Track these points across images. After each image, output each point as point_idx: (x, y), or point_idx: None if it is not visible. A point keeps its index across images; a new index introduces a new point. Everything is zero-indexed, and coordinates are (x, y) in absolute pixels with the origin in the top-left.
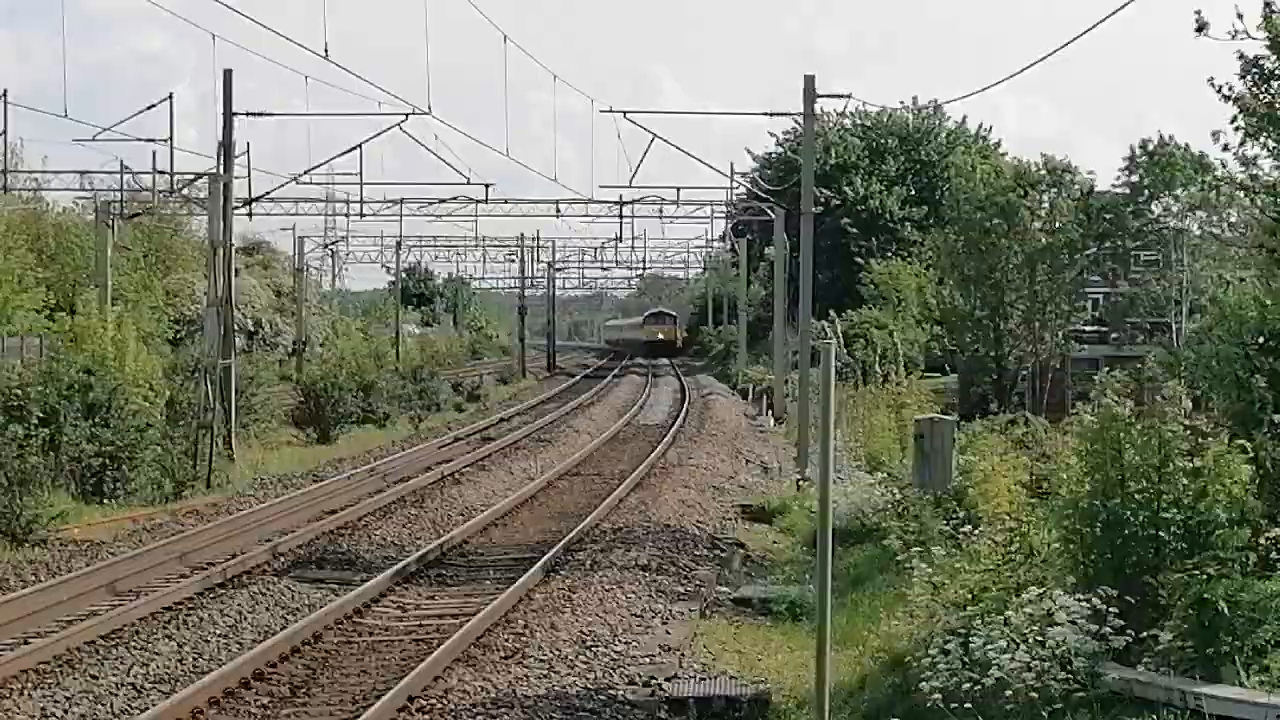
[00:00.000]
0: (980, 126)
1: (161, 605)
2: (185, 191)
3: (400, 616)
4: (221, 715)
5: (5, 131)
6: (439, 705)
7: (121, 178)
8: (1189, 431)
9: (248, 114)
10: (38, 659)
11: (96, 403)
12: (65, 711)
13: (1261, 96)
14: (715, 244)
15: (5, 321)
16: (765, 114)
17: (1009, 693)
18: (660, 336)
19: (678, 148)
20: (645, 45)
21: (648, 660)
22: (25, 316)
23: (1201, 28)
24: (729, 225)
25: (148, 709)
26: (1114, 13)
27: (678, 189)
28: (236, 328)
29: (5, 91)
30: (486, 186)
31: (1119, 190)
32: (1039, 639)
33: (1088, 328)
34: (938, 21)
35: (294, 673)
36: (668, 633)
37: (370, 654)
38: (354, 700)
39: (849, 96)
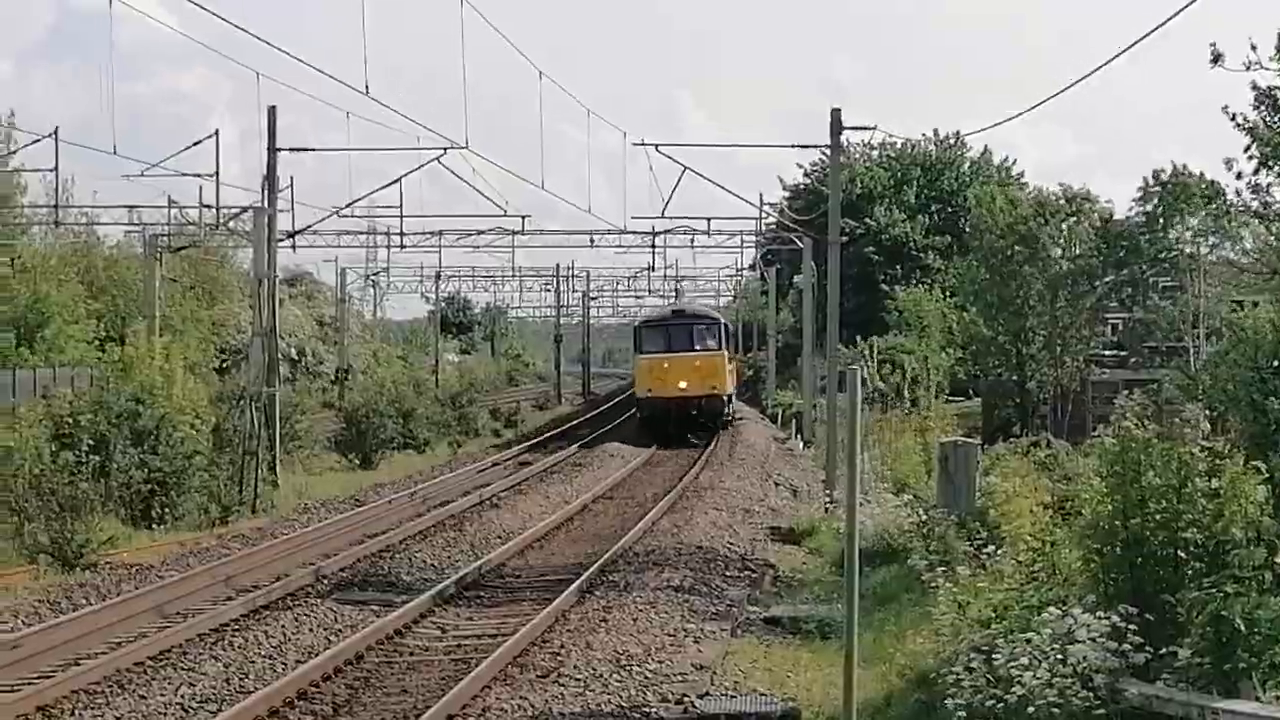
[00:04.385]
0: (1004, 160)
1: (208, 627)
2: (230, 225)
3: (440, 637)
4: None
5: (57, 168)
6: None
7: (169, 212)
8: (1206, 453)
9: (291, 149)
10: (88, 679)
11: (145, 430)
12: None
13: (1275, 126)
14: (745, 272)
15: (58, 352)
16: (793, 146)
17: (1032, 709)
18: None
19: (708, 179)
20: (668, 72)
21: (680, 678)
22: (76, 347)
23: (1217, 58)
24: (758, 254)
25: None
26: (1131, 46)
27: (708, 219)
28: (280, 356)
29: (57, 130)
30: (523, 218)
31: (1135, 218)
32: (1060, 656)
33: (1107, 352)
34: (955, 52)
35: (336, 692)
36: (700, 651)
37: (411, 674)
38: (395, 719)
39: (874, 128)
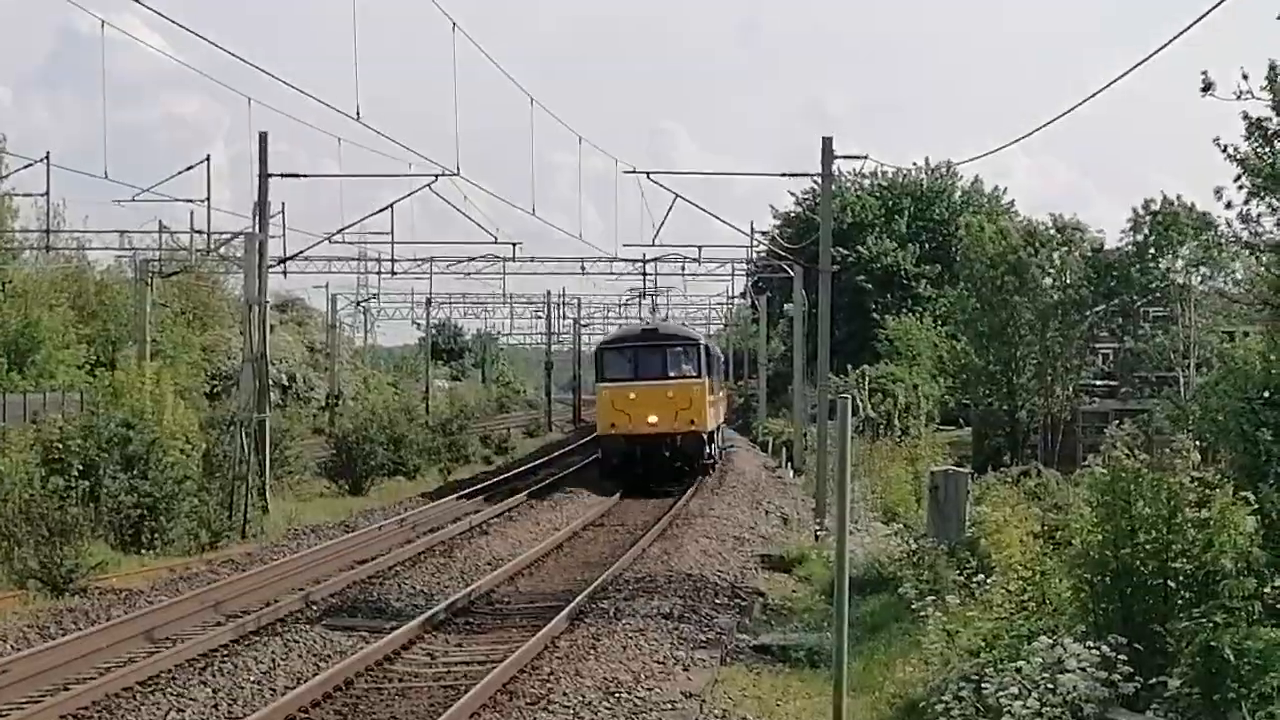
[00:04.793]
0: (995, 189)
1: (197, 652)
2: (222, 250)
3: (429, 663)
4: None
5: (48, 193)
6: None
7: (160, 237)
8: (1196, 483)
9: (282, 175)
10: (77, 704)
11: (135, 455)
12: None
13: (1265, 158)
14: (736, 300)
15: (48, 377)
16: (784, 174)
17: None
18: (654, 425)
19: (699, 207)
20: (659, 103)
21: (670, 706)
22: (67, 372)
23: (1208, 88)
24: (749, 282)
25: None
26: (1121, 76)
27: (699, 247)
28: (271, 382)
29: (48, 154)
30: (514, 245)
31: (1126, 247)
32: (1050, 686)
33: (1097, 381)
34: (945, 84)
35: (326, 718)
36: (689, 679)
37: (400, 700)
38: None
39: (865, 157)
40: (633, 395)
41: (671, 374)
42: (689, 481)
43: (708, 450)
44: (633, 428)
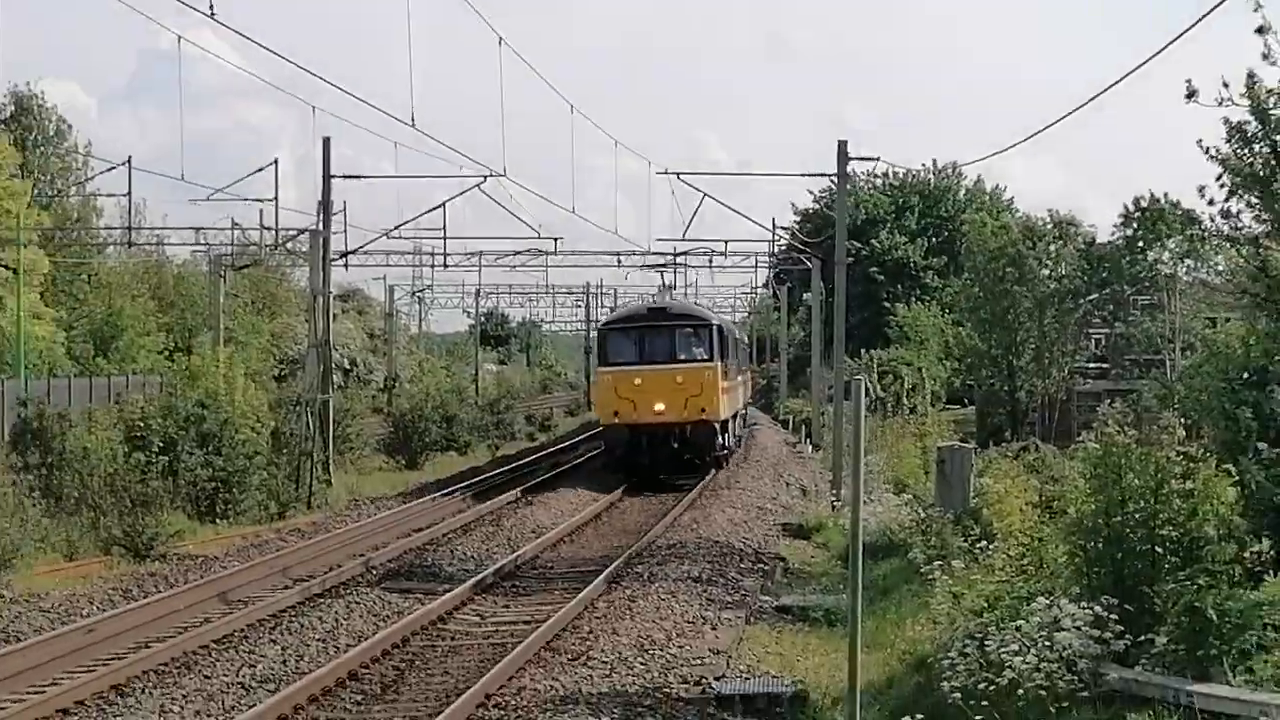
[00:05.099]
0: (995, 187)
1: (267, 613)
2: (289, 245)
3: (479, 623)
4: (320, 711)
5: (130, 194)
6: (513, 702)
7: (232, 233)
8: (1182, 457)
9: (344, 176)
10: (158, 661)
11: (210, 433)
12: (182, 708)
13: (1245, 158)
14: (759, 290)
15: (130, 361)
16: (803, 175)
17: (1021, 691)
18: (661, 414)
19: (725, 205)
20: (694, 114)
21: (699, 662)
22: (147, 357)
23: (1191, 94)
24: (771, 274)
25: (255, 705)
26: (1115, 83)
27: (725, 242)
28: (334, 366)
29: (130, 159)
30: (555, 240)
31: (1117, 241)
32: (1047, 643)
33: (1090, 364)
34: (955, 89)
35: (384, 673)
36: (717, 637)
37: (452, 656)
38: (437, 698)
39: (877, 159)
40: (638, 381)
41: (681, 357)
42: (700, 475)
43: (720, 440)
44: (638, 416)
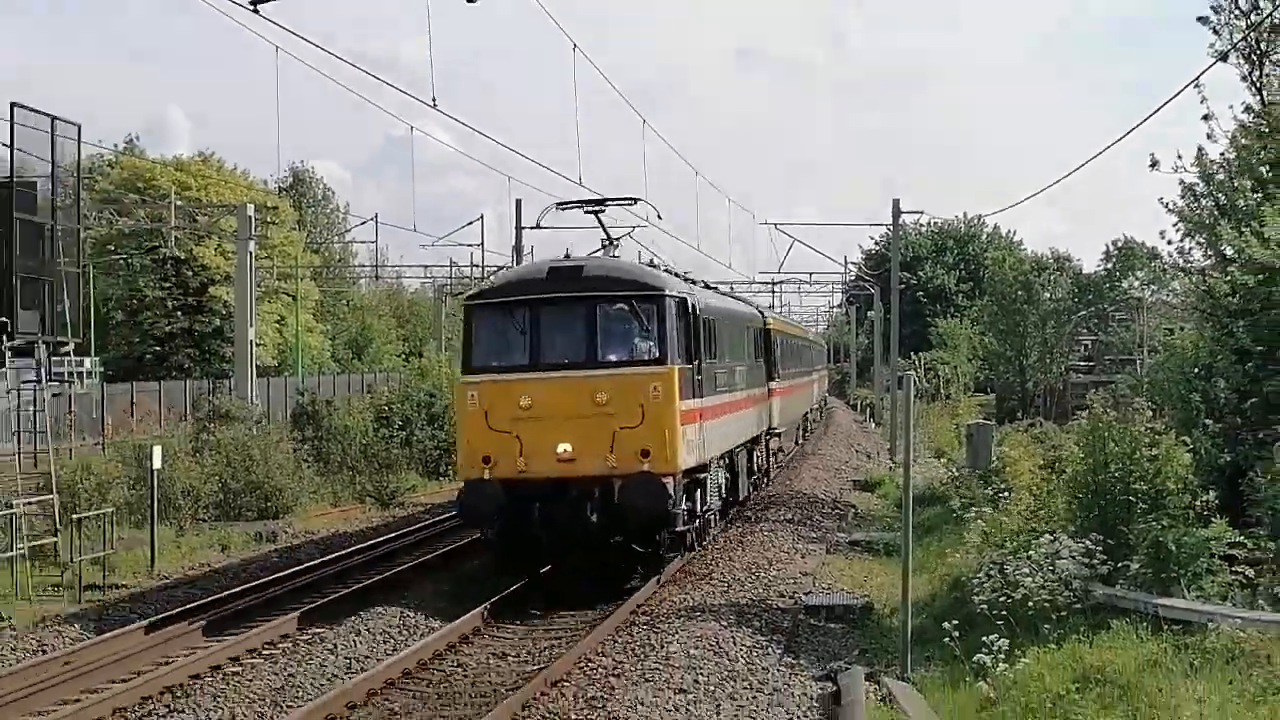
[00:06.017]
0: (1009, 232)
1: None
2: (492, 279)
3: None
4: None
5: (376, 240)
6: (657, 610)
7: (451, 270)
8: (1149, 432)
9: (531, 227)
10: (399, 575)
11: (436, 414)
12: (435, 590)
13: (1195, 211)
14: (835, 309)
15: (377, 362)
16: (867, 224)
17: (1030, 604)
18: (566, 456)
19: (809, 246)
20: (781, 177)
21: (793, 581)
22: (390, 359)
23: (1154, 164)
24: (844, 297)
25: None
26: (1105, 149)
27: (810, 274)
28: None
29: (376, 216)
30: (685, 273)
31: (1100, 272)
32: (1050, 568)
33: (1081, 363)
34: (985, 163)
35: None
36: (805, 563)
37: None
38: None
39: (922, 212)
40: (525, 400)
41: (610, 355)
42: (636, 578)
43: (679, 509)
44: (526, 465)
